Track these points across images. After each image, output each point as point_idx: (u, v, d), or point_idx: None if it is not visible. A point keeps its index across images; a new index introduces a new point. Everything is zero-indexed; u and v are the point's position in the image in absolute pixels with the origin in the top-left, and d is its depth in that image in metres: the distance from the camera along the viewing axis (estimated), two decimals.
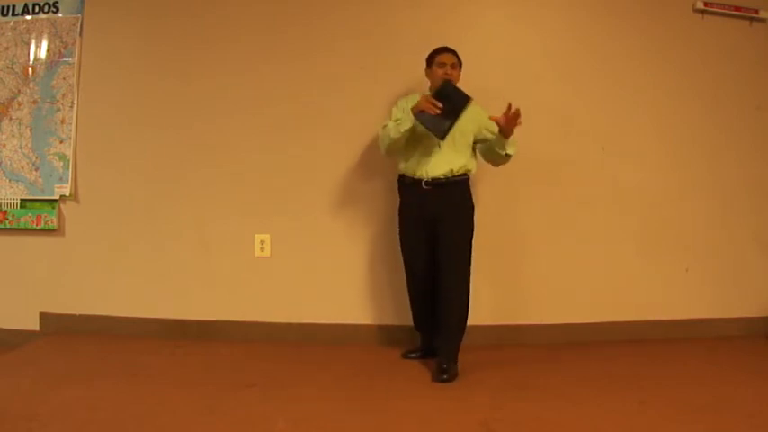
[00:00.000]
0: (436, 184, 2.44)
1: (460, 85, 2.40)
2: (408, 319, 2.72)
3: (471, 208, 2.51)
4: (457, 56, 2.49)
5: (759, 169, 3.09)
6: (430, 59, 2.52)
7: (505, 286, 2.91)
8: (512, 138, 2.39)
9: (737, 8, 3.03)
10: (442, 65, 2.45)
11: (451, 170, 2.44)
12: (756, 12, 3.05)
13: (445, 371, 2.34)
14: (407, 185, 2.53)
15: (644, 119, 3.01)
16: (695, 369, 2.55)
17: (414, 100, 2.46)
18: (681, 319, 3.00)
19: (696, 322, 3.01)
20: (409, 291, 2.63)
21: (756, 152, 3.09)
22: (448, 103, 2.28)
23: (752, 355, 2.75)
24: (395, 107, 2.58)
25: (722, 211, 3.06)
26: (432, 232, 2.46)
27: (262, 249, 2.92)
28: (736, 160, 3.07)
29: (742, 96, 3.07)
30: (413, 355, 2.65)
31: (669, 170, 3.03)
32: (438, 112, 2.26)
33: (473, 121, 2.46)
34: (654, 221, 3.01)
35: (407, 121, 2.36)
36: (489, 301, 2.83)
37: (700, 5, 3.00)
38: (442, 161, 2.44)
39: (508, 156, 2.45)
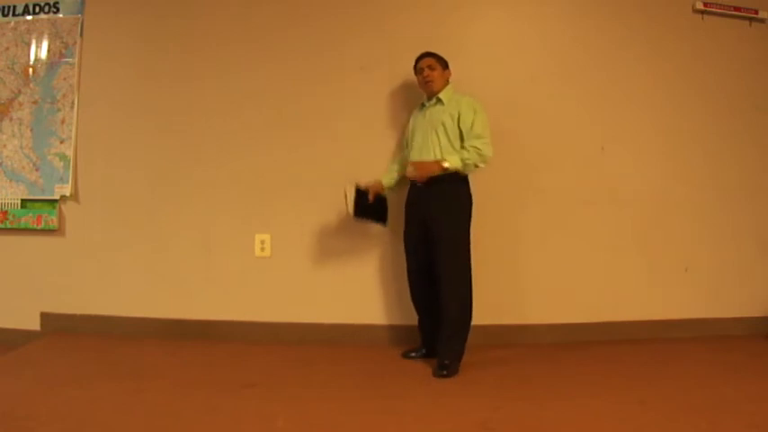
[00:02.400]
0: (428, 182, 2.49)
1: (455, 78, 2.63)
2: (408, 319, 2.72)
3: (465, 205, 2.52)
4: (436, 57, 2.59)
5: (758, 169, 3.09)
6: (414, 68, 2.64)
7: (506, 286, 2.91)
8: (451, 163, 2.43)
9: (737, 8, 3.04)
10: (420, 71, 2.59)
11: (442, 167, 2.45)
12: (756, 12, 3.06)
13: (445, 367, 2.37)
14: (410, 184, 2.62)
15: (644, 119, 3.01)
16: (695, 369, 2.55)
17: (416, 113, 2.66)
18: (681, 319, 3.00)
19: (696, 322, 3.01)
20: (410, 291, 2.66)
21: (756, 152, 3.10)
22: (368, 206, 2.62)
23: (752, 355, 2.75)
24: (408, 123, 2.73)
25: (722, 211, 3.06)
26: (426, 232, 2.50)
27: (262, 249, 2.92)
28: (736, 160, 3.07)
29: (741, 96, 3.07)
30: (413, 354, 2.66)
31: (669, 170, 3.03)
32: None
33: (452, 118, 2.49)
34: (653, 221, 3.01)
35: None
36: (489, 301, 2.83)
37: (699, 6, 3.01)
38: (432, 158, 2.49)
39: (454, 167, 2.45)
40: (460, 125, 2.50)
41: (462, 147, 2.49)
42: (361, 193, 2.60)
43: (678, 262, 3.03)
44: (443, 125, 2.50)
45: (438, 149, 2.49)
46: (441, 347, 2.46)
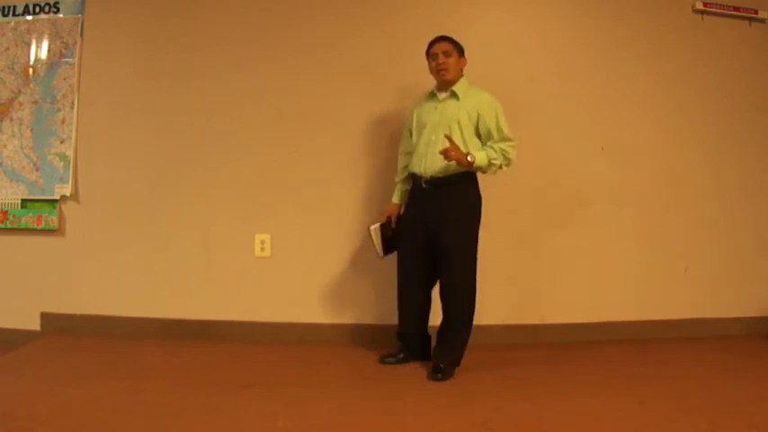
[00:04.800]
0: (435, 183, 2.38)
1: (468, 68, 2.48)
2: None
3: (475, 208, 2.41)
4: (452, 42, 2.40)
5: (758, 169, 3.09)
6: (426, 52, 2.46)
7: (505, 286, 2.91)
8: (479, 160, 2.31)
9: (737, 8, 3.04)
10: (434, 56, 2.40)
11: (449, 166, 2.32)
12: (756, 12, 3.06)
13: (440, 370, 2.35)
14: (413, 183, 2.52)
15: (644, 119, 3.01)
16: (695, 369, 2.55)
17: (422, 103, 2.50)
18: (681, 319, 3.00)
19: (696, 322, 3.01)
20: (398, 297, 2.58)
21: (755, 152, 3.10)
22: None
23: (752, 355, 2.75)
24: (410, 114, 2.57)
25: (721, 211, 3.06)
26: (429, 238, 2.39)
27: (262, 249, 2.92)
28: (736, 160, 3.08)
29: (741, 96, 3.08)
30: (390, 359, 2.56)
31: (668, 170, 3.03)
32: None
33: (470, 117, 2.36)
34: (653, 221, 3.01)
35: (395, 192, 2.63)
36: (489, 301, 2.83)
37: (699, 6, 3.01)
38: (440, 156, 2.30)
39: (484, 166, 2.34)
40: (480, 126, 2.37)
41: (488, 146, 2.37)
42: (384, 228, 2.56)
43: (678, 262, 3.03)
44: (458, 123, 2.35)
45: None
46: (438, 351, 2.44)
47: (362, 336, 2.87)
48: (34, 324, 2.96)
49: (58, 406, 2.03)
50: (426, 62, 2.47)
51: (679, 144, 3.05)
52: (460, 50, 2.43)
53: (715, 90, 3.06)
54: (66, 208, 3.00)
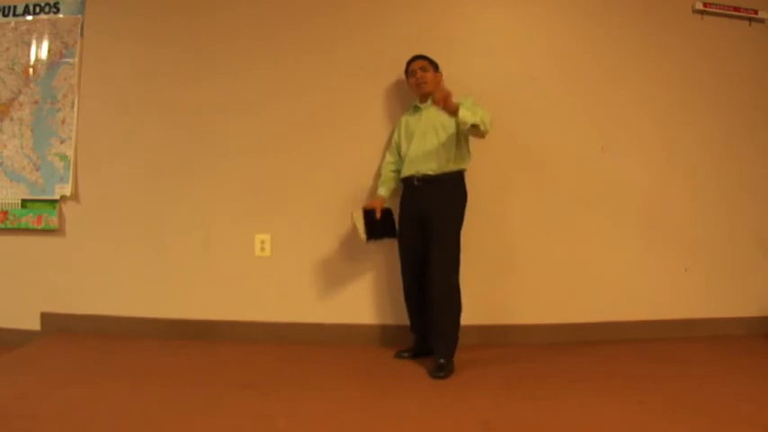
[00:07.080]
0: (426, 180, 2.50)
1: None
2: (407, 319, 2.72)
3: (462, 202, 2.53)
4: (428, 59, 2.60)
5: (758, 169, 3.09)
6: (405, 71, 2.67)
7: (506, 286, 2.91)
8: (464, 112, 2.28)
9: (736, 8, 3.05)
10: (413, 72, 2.61)
11: (440, 166, 2.48)
12: (755, 12, 3.06)
13: (442, 367, 2.37)
14: (405, 182, 2.62)
15: (644, 119, 3.02)
16: (695, 369, 2.55)
17: (408, 116, 2.65)
18: (681, 319, 3.00)
19: (696, 322, 3.01)
20: (403, 290, 2.67)
21: (755, 152, 3.10)
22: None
23: (752, 355, 2.75)
24: (397, 127, 2.71)
25: (722, 211, 3.07)
26: (424, 231, 2.50)
27: (262, 249, 2.92)
28: (736, 160, 3.08)
29: (741, 96, 3.08)
30: (405, 354, 2.66)
31: (668, 170, 3.04)
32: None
33: (451, 119, 2.43)
34: (653, 221, 3.02)
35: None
36: (490, 301, 2.84)
37: (699, 6, 3.01)
38: (432, 157, 2.50)
39: (477, 127, 2.32)
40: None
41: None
42: (368, 215, 2.58)
43: (678, 262, 3.03)
44: (443, 126, 2.51)
45: (437, 150, 2.49)
46: (435, 346, 2.47)
47: (362, 335, 2.87)
48: (34, 324, 2.97)
49: (58, 406, 2.03)
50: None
51: (678, 144, 3.05)
52: (435, 66, 2.63)
53: (715, 90, 3.07)
54: (66, 208, 3.00)
